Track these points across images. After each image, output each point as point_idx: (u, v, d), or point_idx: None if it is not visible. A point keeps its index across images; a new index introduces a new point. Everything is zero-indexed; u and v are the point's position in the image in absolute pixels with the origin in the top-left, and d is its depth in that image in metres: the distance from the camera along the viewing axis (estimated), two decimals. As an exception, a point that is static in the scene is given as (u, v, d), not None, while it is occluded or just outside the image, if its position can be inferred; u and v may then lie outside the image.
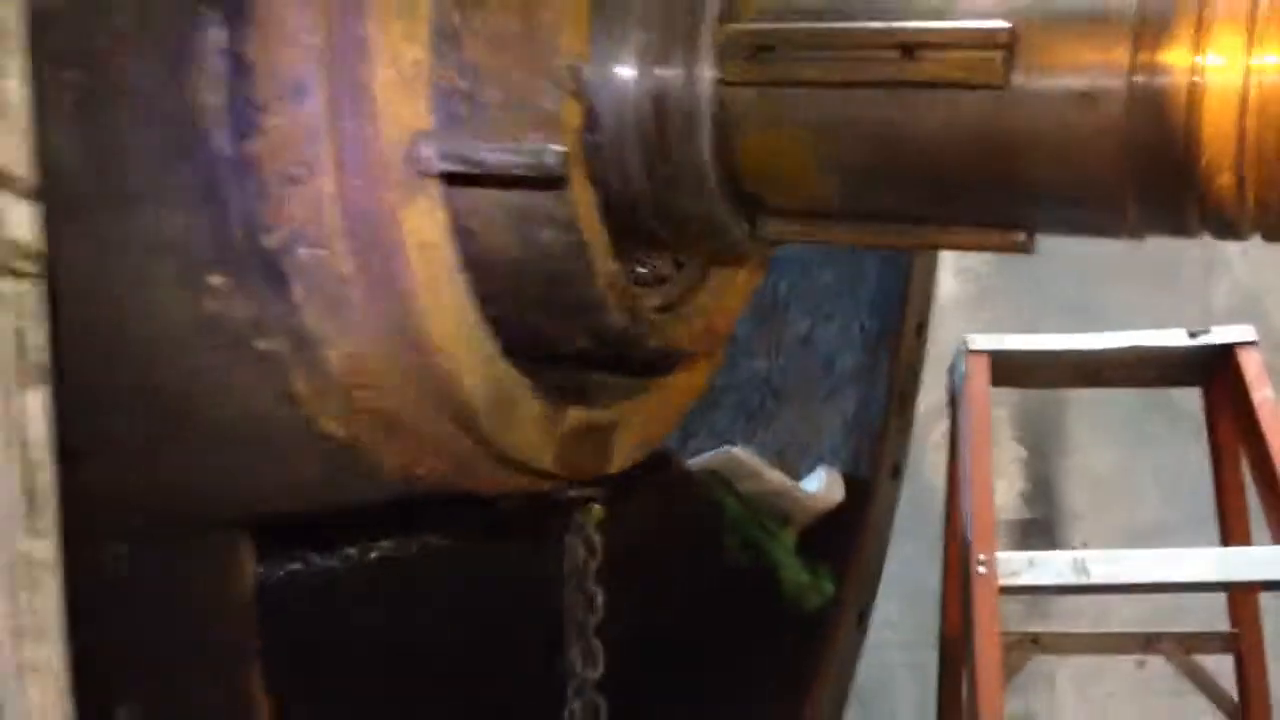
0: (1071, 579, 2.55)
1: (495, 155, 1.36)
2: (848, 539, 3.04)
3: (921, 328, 3.14)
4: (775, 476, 2.82)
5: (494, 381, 1.52)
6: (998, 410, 3.80)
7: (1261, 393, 2.74)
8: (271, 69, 1.32)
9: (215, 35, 1.34)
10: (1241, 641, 3.02)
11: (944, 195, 1.45)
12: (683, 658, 2.65)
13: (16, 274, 0.99)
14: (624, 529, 2.21)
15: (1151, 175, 1.32)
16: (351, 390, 1.45)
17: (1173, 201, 1.33)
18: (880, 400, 3.09)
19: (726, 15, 1.46)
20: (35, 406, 0.98)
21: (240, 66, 1.33)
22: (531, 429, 1.59)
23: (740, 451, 2.81)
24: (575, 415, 1.66)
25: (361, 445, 1.52)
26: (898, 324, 3.05)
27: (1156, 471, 4.71)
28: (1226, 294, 4.34)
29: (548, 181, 1.40)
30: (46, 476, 0.98)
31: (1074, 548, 4.21)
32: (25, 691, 0.95)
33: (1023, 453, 4.84)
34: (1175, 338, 2.85)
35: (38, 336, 1.00)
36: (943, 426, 3.39)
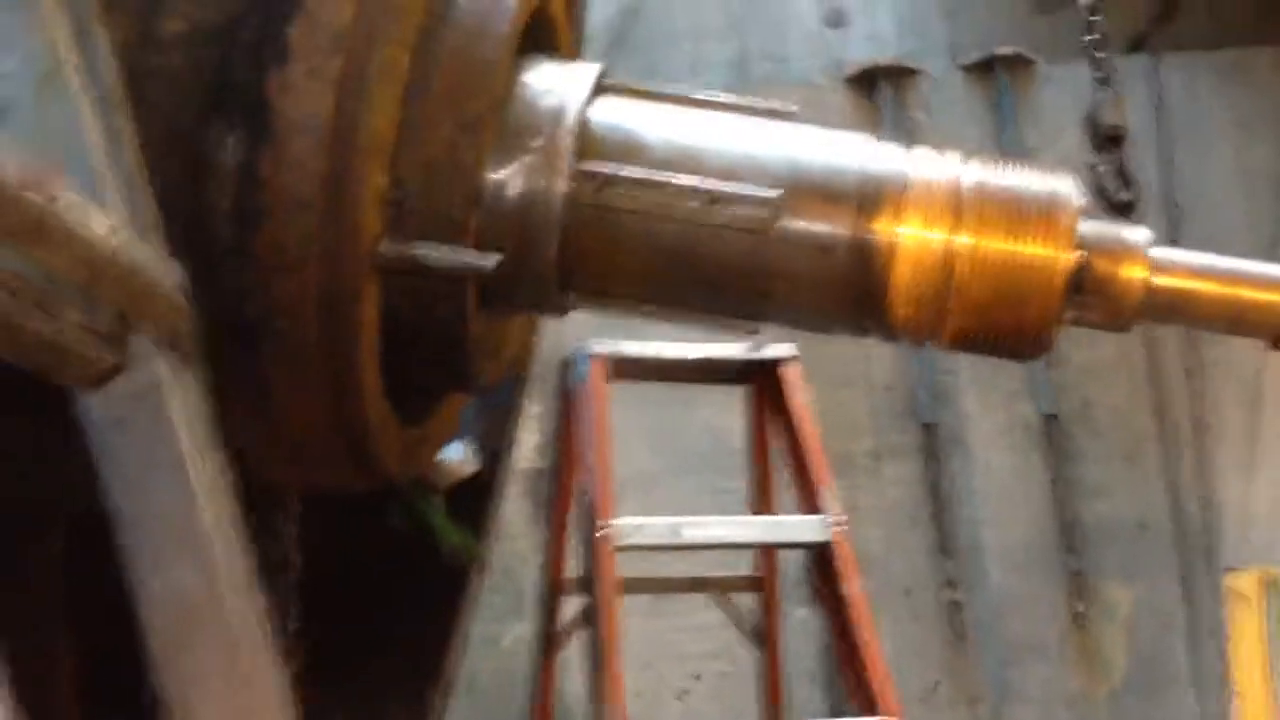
0: (670, 539, 3.32)
1: (439, 258, 1.84)
2: (482, 502, 3.63)
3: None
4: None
5: (382, 416, 2.00)
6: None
7: (799, 397, 3.63)
8: (281, 185, 1.72)
9: (233, 151, 1.71)
10: (767, 586, 3.95)
11: (715, 297, 2.09)
12: (356, 610, 3.12)
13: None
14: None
15: (857, 304, 2.03)
16: (287, 432, 1.88)
17: (867, 322, 2.05)
18: (507, 386, 3.68)
19: (581, 151, 2.01)
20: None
21: (253, 179, 1.72)
22: (394, 447, 2.08)
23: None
24: (411, 433, 2.17)
25: (270, 469, 1.95)
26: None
27: (650, 431, 5.63)
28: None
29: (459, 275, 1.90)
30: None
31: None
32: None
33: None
34: (739, 350, 3.68)
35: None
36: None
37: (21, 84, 1.39)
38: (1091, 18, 3.86)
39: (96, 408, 1.34)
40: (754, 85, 5.97)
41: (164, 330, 1.37)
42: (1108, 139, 3.80)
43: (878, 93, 5.96)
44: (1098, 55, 3.78)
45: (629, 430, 5.30)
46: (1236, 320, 2.02)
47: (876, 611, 4.66)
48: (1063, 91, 5.75)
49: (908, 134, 5.81)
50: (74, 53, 1.44)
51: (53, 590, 2.13)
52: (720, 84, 6.00)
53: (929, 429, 5.82)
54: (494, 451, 3.74)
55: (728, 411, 4.81)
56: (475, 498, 3.67)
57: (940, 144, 4.85)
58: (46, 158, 1.37)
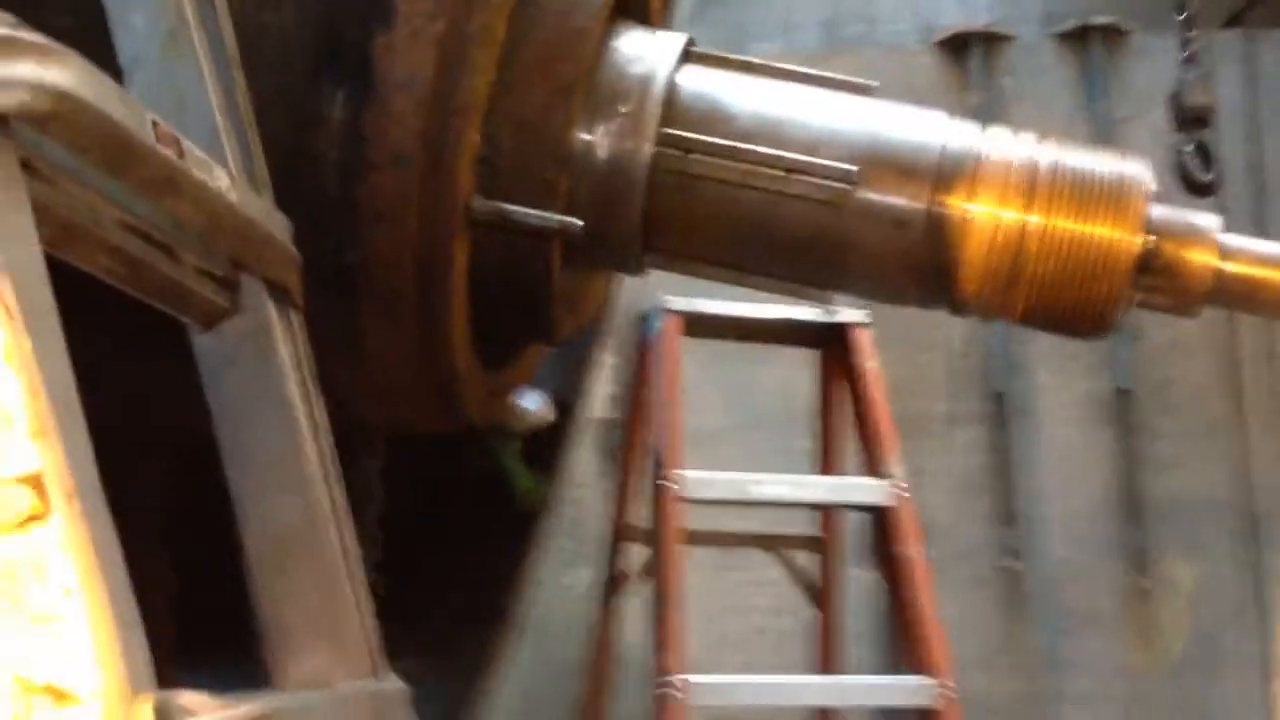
0: (735, 495, 3.41)
1: (529, 216, 1.94)
2: (554, 450, 3.75)
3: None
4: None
5: (468, 362, 2.10)
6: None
7: (870, 362, 3.69)
8: (384, 140, 1.82)
9: (340, 107, 1.81)
10: (827, 546, 4.04)
11: (790, 265, 2.17)
12: (431, 548, 3.26)
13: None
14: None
15: (929, 277, 2.09)
16: (377, 374, 1.99)
17: (938, 296, 2.12)
18: (583, 340, 3.79)
19: (667, 118, 2.09)
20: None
21: (358, 134, 1.82)
22: (477, 393, 2.18)
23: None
24: (492, 379, 2.28)
25: (359, 409, 2.07)
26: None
27: (723, 387, 5.69)
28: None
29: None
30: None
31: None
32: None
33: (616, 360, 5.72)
34: (812, 313, 3.74)
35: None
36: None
37: (148, 40, 1.49)
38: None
39: (209, 346, 1.44)
40: (844, 46, 5.97)
41: (274, 277, 1.47)
42: (1192, 119, 3.80)
43: (968, 58, 5.92)
44: (1187, 34, 3.77)
45: (701, 385, 5.38)
46: None
47: (938, 577, 4.72)
48: (1156, 64, 5.67)
49: (996, 100, 5.79)
50: (194, 11, 1.53)
51: (155, 511, 2.27)
52: (810, 44, 6.00)
53: (1000, 397, 5.82)
54: (567, 402, 3.87)
55: (800, 371, 4.87)
56: (548, 445, 3.80)
57: (1029, 112, 4.90)
58: (171, 110, 1.47)
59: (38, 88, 0.95)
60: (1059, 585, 5.66)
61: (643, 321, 3.81)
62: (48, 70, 0.97)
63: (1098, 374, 5.75)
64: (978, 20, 5.94)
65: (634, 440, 3.89)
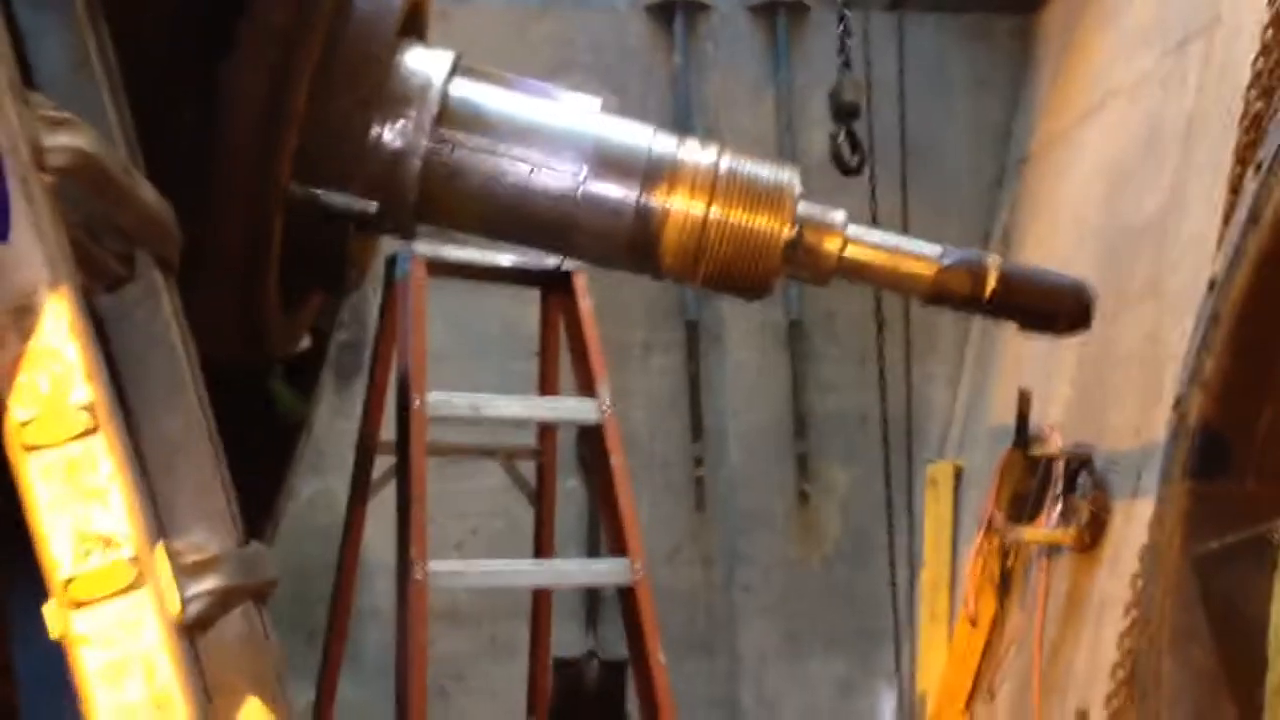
0: (473, 413, 4.05)
1: (331, 200, 2.49)
2: (310, 372, 4.24)
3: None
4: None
5: (275, 308, 2.64)
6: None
7: (585, 302, 4.38)
8: (223, 142, 2.33)
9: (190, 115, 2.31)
10: (543, 455, 4.74)
11: (532, 237, 2.80)
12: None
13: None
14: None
15: (636, 253, 2.76)
16: (207, 319, 2.51)
17: (642, 266, 2.79)
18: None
19: (440, 121, 2.66)
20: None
21: (203, 136, 2.32)
22: (279, 331, 2.73)
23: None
24: (289, 320, 2.82)
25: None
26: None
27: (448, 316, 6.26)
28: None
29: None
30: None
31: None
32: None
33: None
34: (537, 259, 4.39)
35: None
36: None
37: (60, 67, 1.95)
38: (844, 10, 4.60)
39: (111, 304, 1.93)
40: (560, 7, 6.55)
41: (161, 251, 1.97)
42: (845, 113, 4.58)
43: (673, 23, 6.60)
44: (844, 41, 4.55)
45: (430, 315, 5.93)
46: (898, 283, 2.83)
47: (636, 484, 5.50)
48: (832, 37, 6.46)
49: (698, 63, 6.50)
50: (94, 46, 2.00)
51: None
52: (526, 9, 6.54)
53: (691, 326, 6.55)
54: (322, 331, 4.37)
55: (511, 305, 5.50)
56: (305, 368, 4.30)
57: (725, 75, 5.89)
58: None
59: (75, 150, 1.46)
60: (737, 490, 6.49)
61: (391, 263, 4.37)
62: (75, 137, 1.48)
63: (774, 307, 6.55)
64: (683, -11, 6.60)
65: (383, 366, 4.46)
